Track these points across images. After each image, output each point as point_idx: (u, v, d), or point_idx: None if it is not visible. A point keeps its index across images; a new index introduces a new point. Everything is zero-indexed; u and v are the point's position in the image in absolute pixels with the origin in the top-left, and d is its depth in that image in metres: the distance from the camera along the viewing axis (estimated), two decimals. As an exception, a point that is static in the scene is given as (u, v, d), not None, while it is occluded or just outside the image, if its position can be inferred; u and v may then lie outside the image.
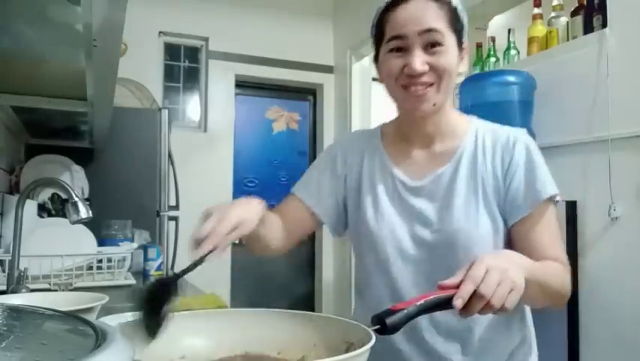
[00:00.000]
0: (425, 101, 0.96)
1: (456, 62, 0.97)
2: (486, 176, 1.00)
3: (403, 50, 0.96)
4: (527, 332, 1.07)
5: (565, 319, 2.17)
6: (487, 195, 0.99)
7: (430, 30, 0.93)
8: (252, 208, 0.88)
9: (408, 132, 1.06)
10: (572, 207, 2.22)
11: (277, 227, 1.05)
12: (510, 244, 1.00)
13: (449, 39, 0.95)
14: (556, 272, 0.93)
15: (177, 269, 2.87)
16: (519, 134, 1.02)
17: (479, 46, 2.85)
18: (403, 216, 1.02)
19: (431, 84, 0.95)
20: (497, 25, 3.19)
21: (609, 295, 2.08)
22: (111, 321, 0.93)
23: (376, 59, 1.04)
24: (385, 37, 0.98)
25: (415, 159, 1.05)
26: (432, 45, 0.94)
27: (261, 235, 0.97)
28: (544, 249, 0.96)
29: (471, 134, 1.03)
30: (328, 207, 1.10)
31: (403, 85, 0.97)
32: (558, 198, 1.00)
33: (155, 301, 0.69)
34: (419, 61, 0.93)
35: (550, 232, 0.99)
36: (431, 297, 0.75)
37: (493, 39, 2.85)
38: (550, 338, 2.29)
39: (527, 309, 1.08)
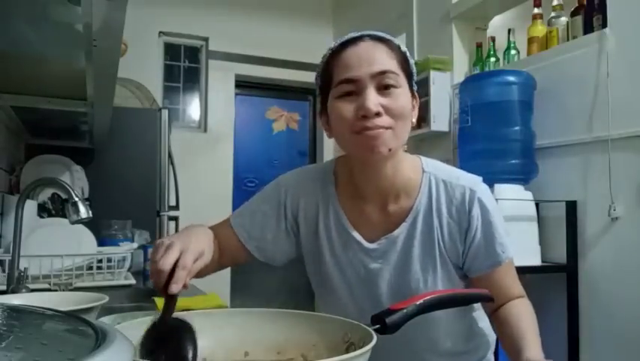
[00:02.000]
0: (381, 143, 0.88)
1: (410, 107, 0.93)
2: (442, 238, 0.98)
3: (354, 93, 0.90)
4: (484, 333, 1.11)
5: (565, 318, 2.18)
6: (444, 256, 0.98)
7: (384, 72, 0.88)
8: (205, 235, 0.86)
9: (361, 187, 1.00)
10: (572, 207, 2.22)
11: (214, 250, 0.97)
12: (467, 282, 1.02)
13: (403, 81, 0.91)
14: (531, 314, 0.97)
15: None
16: (474, 190, 0.97)
17: (479, 46, 2.85)
18: (360, 277, 1.01)
19: (387, 128, 0.89)
20: (497, 25, 3.19)
21: (609, 295, 2.08)
22: (111, 321, 0.93)
23: (321, 112, 0.98)
24: (334, 82, 0.92)
25: (369, 218, 1.01)
26: (386, 87, 0.89)
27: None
28: (508, 291, 1.00)
29: (424, 189, 0.99)
30: (264, 246, 1.06)
31: (356, 131, 0.89)
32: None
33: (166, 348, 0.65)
34: (373, 102, 0.87)
35: (510, 278, 1.01)
36: (430, 296, 0.75)
37: (493, 39, 2.86)
38: (550, 338, 2.29)
39: (479, 315, 1.10)
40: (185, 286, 0.72)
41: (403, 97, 0.90)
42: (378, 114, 0.88)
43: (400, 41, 0.98)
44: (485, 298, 0.89)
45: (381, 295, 1.00)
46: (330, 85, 0.93)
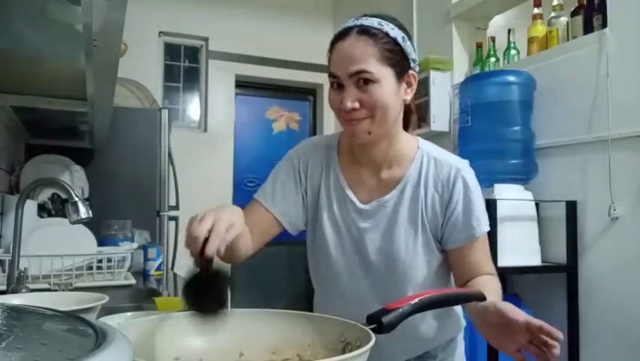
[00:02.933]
0: (359, 131, 1.02)
1: (392, 94, 1.01)
2: (425, 208, 1.08)
3: (339, 85, 1.02)
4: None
5: (565, 318, 2.18)
6: (425, 225, 1.08)
7: (358, 72, 0.98)
8: (236, 211, 0.91)
9: (358, 155, 1.13)
10: (572, 207, 2.22)
11: (245, 232, 1.06)
12: (445, 260, 1.12)
13: (383, 73, 0.99)
14: (498, 288, 1.05)
15: (177, 269, 2.87)
16: (461, 168, 1.08)
17: (479, 46, 2.85)
18: (351, 234, 1.11)
19: (365, 118, 1.01)
20: (497, 25, 3.19)
21: (609, 294, 2.08)
22: (111, 321, 0.93)
23: None
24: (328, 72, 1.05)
25: (364, 182, 1.12)
26: (365, 82, 0.99)
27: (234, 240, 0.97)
28: (480, 267, 1.08)
29: (416, 162, 1.10)
30: (288, 211, 1.15)
31: (341, 118, 1.04)
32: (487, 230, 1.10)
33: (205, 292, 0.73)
34: (350, 99, 0.99)
35: (483, 252, 1.10)
36: (424, 296, 0.76)
37: (493, 39, 2.86)
38: (550, 338, 2.29)
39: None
40: (219, 254, 0.78)
41: (379, 90, 0.99)
42: (355, 109, 1.00)
43: (398, 24, 1.06)
44: (478, 298, 0.89)
45: (368, 252, 1.10)
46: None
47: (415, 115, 1.18)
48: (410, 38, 1.06)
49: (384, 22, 1.02)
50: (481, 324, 0.91)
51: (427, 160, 1.10)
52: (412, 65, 1.05)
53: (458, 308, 1.18)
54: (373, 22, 1.02)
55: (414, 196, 1.08)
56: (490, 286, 1.01)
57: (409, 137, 1.13)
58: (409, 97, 1.06)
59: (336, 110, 1.04)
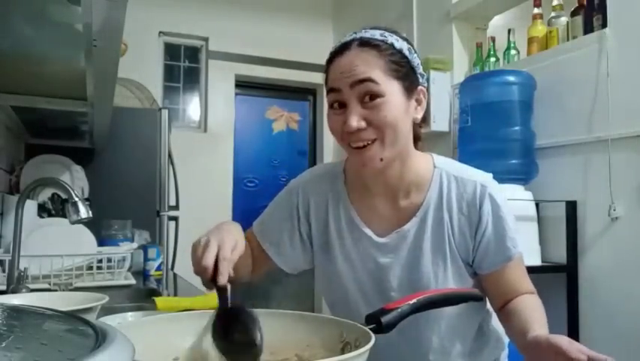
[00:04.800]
0: (370, 158, 0.91)
1: (401, 111, 0.91)
2: (452, 233, 0.97)
3: (341, 105, 0.91)
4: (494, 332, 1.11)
5: (565, 318, 2.18)
6: (454, 253, 0.97)
7: (362, 81, 0.88)
8: (236, 229, 0.88)
9: (369, 184, 1.01)
10: (572, 207, 2.22)
11: (247, 253, 0.98)
12: (478, 285, 1.01)
13: (390, 87, 0.89)
14: (541, 308, 0.96)
15: (177, 269, 2.87)
16: (485, 185, 0.98)
17: (479, 46, 2.85)
18: (370, 273, 1.01)
19: (374, 140, 0.90)
20: (497, 25, 3.19)
21: (609, 294, 2.08)
22: (111, 321, 0.93)
23: None
24: (325, 91, 0.95)
25: (380, 213, 1.01)
26: (371, 98, 0.89)
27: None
28: (519, 288, 0.99)
29: (435, 185, 0.99)
30: (284, 252, 1.08)
31: (346, 143, 0.93)
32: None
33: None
34: (355, 118, 0.88)
35: (520, 274, 1.01)
36: (423, 296, 0.76)
37: (493, 39, 2.85)
38: (550, 338, 2.29)
39: (489, 314, 1.10)
40: (230, 276, 0.77)
41: (387, 105, 0.89)
42: (360, 129, 0.89)
43: (402, 36, 0.96)
44: (476, 298, 0.89)
45: (391, 290, 0.99)
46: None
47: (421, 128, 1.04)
48: (415, 51, 0.97)
49: (387, 34, 0.93)
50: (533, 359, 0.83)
51: (447, 180, 0.99)
52: (421, 80, 0.96)
53: (499, 328, 1.07)
54: (375, 33, 0.93)
55: (437, 222, 0.97)
56: (532, 310, 0.92)
57: (423, 155, 1.02)
58: (419, 115, 0.96)
59: (339, 134, 0.92)
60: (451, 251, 0.97)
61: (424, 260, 0.97)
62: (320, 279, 1.11)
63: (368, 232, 1.01)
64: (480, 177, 0.99)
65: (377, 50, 0.91)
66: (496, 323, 1.09)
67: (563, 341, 0.78)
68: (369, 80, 0.88)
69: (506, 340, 1.11)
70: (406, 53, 0.93)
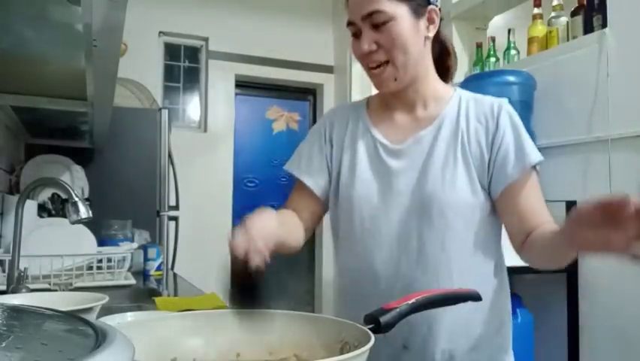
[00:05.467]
0: (384, 79, 1.00)
1: (411, 32, 0.97)
2: (468, 141, 1.00)
3: (358, 32, 1.00)
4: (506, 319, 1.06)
5: (565, 319, 2.18)
6: (468, 159, 0.99)
7: (371, 13, 0.96)
8: (268, 218, 0.88)
9: (390, 101, 1.09)
10: (572, 207, 2.22)
11: (288, 229, 1.01)
12: (493, 216, 1.01)
13: (398, 11, 0.96)
14: None
15: (177, 269, 2.86)
16: (502, 102, 1.03)
17: (479, 46, 2.85)
18: (379, 178, 1.03)
19: (386, 62, 0.98)
20: (497, 25, 3.19)
21: (609, 295, 2.08)
22: (111, 321, 0.93)
23: None
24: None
25: (398, 123, 1.07)
26: (381, 24, 0.97)
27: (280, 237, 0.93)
28: (538, 214, 0.97)
29: (454, 100, 1.05)
30: (320, 180, 1.11)
31: (365, 66, 1.02)
32: (541, 161, 0.99)
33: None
34: (366, 42, 0.98)
35: (539, 197, 1.00)
36: (422, 296, 0.76)
37: (493, 39, 2.86)
38: (550, 338, 2.29)
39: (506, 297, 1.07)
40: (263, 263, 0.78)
41: (396, 28, 0.96)
42: (372, 51, 0.98)
43: None
44: (474, 298, 0.88)
45: (401, 196, 1.00)
46: None
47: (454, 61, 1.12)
48: None
49: None
50: (578, 230, 0.75)
51: (466, 99, 1.04)
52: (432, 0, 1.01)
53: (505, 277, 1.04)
54: None
55: (453, 131, 1.01)
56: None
57: (444, 84, 1.08)
58: (431, 34, 1.01)
59: (359, 59, 1.02)
60: (465, 158, 0.99)
61: (435, 165, 0.99)
62: (331, 198, 1.10)
63: (382, 139, 1.06)
64: (497, 99, 1.04)
65: None
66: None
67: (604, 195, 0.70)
68: (377, 11, 0.96)
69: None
70: None
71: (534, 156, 0.98)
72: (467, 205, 0.98)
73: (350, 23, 1.00)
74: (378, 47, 0.98)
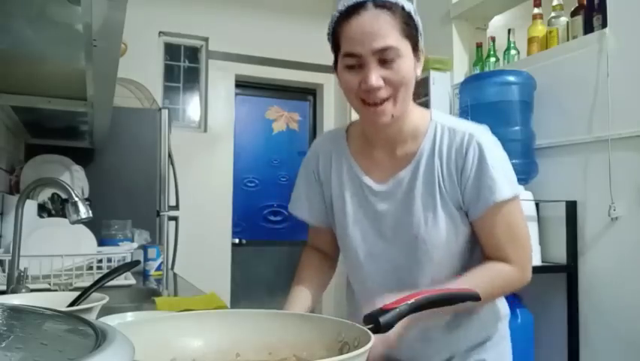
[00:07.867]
0: (383, 115, 0.97)
1: (412, 70, 0.98)
2: (442, 178, 1.02)
3: (358, 66, 0.96)
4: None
5: (565, 318, 2.18)
6: (444, 197, 1.02)
7: (385, 49, 0.93)
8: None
9: (371, 138, 1.09)
10: (572, 207, 2.22)
11: (320, 264, 1.20)
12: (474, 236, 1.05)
13: (404, 49, 0.95)
14: (497, 278, 1.00)
15: (177, 269, 2.86)
16: (475, 134, 1.02)
17: (479, 46, 2.85)
18: (368, 220, 1.08)
19: (388, 98, 0.96)
20: (497, 25, 3.19)
21: (609, 294, 2.08)
22: (111, 321, 0.93)
23: (335, 67, 1.04)
24: (341, 52, 0.98)
25: (379, 163, 1.08)
26: (390, 60, 0.94)
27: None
28: (493, 250, 1.02)
29: (429, 135, 1.04)
30: (322, 216, 1.18)
31: (362, 99, 0.98)
32: (513, 196, 1.01)
33: None
34: (375, 77, 0.94)
35: (506, 230, 1.01)
36: (421, 296, 0.76)
37: (493, 39, 2.85)
38: (550, 338, 2.29)
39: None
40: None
41: (404, 66, 0.95)
42: (379, 88, 0.95)
43: None
44: (474, 298, 0.89)
45: (388, 235, 1.06)
46: (338, 50, 0.99)
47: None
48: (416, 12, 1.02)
49: None
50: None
51: (441, 131, 1.04)
52: (420, 39, 1.01)
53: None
54: None
55: (429, 168, 1.03)
56: (476, 272, 0.98)
57: (421, 109, 1.08)
58: (419, 72, 1.01)
59: (354, 92, 0.98)
60: (442, 196, 1.02)
61: (416, 205, 1.02)
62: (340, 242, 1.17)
63: (368, 181, 1.08)
64: (471, 128, 1.04)
65: (391, 12, 0.94)
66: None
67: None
68: (390, 47, 0.93)
69: (507, 311, 1.15)
70: (413, 14, 0.98)
71: (501, 193, 0.98)
72: (451, 241, 1.03)
73: (352, 55, 0.95)
74: (386, 83, 0.95)
